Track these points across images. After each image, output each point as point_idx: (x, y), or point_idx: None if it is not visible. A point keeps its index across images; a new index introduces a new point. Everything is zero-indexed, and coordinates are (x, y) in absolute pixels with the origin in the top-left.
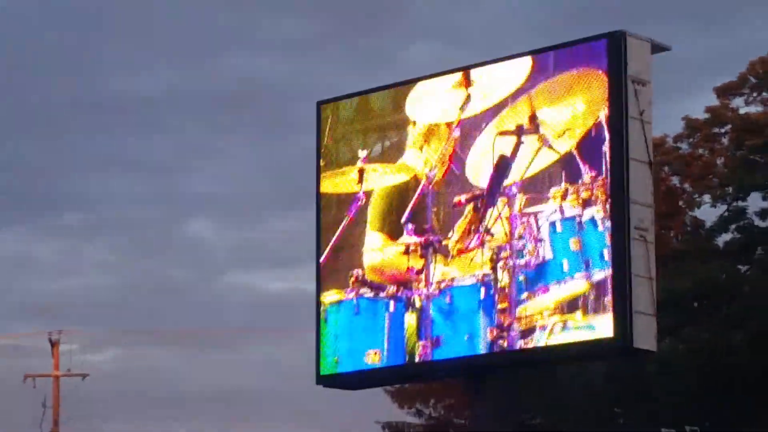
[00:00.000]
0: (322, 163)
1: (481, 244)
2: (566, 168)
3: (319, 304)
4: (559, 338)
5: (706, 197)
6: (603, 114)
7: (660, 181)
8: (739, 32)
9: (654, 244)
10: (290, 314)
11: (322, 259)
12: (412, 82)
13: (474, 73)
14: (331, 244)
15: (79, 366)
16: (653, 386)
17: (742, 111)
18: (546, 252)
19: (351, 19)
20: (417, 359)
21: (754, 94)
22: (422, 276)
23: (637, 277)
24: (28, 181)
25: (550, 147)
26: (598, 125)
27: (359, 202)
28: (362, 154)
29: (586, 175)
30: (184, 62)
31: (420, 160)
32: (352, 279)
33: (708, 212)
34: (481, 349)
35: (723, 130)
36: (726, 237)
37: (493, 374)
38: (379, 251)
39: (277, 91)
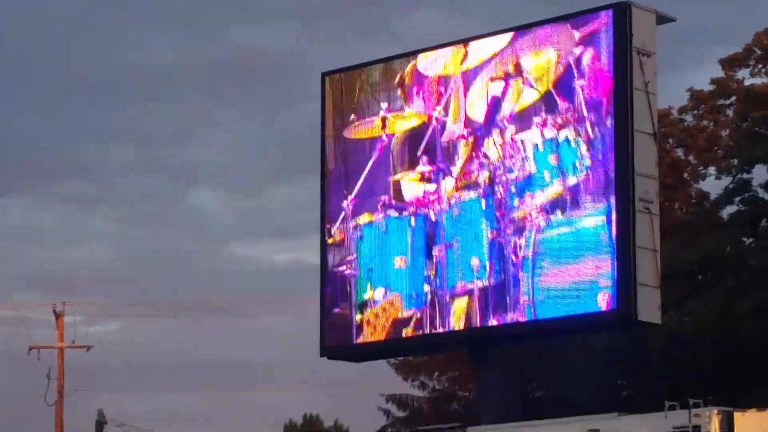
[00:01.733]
0: (353, 117)
1: (481, 166)
2: (545, 102)
3: (324, 273)
4: (545, 232)
5: (711, 169)
6: (572, 58)
7: (664, 153)
8: (744, 3)
9: (658, 216)
10: (294, 285)
11: (355, 191)
12: (412, 54)
13: (471, 43)
14: (362, 178)
15: (83, 338)
16: (657, 358)
17: (747, 83)
18: (531, 167)
19: None
20: (435, 259)
21: (760, 66)
22: (436, 195)
23: (641, 249)
24: (32, 151)
25: (532, 87)
26: (568, 67)
27: (383, 143)
28: (384, 106)
29: (562, 105)
30: (187, 34)
31: (429, 106)
32: (381, 204)
33: (713, 184)
34: (485, 246)
35: (728, 102)
36: (731, 209)
37: (498, 345)
38: (401, 179)
39: (279, 61)
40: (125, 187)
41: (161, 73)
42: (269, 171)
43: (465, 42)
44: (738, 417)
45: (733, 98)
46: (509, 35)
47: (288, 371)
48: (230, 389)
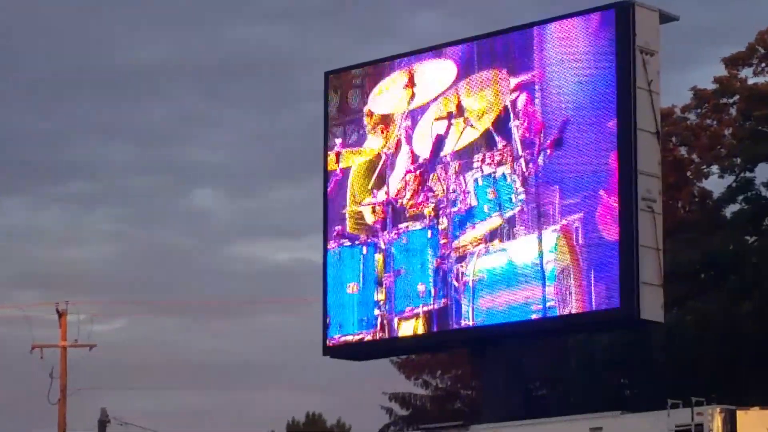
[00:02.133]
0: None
1: (426, 199)
2: (485, 140)
3: (326, 273)
4: (484, 260)
5: (714, 168)
6: (509, 101)
7: (668, 151)
8: (747, 2)
9: (661, 215)
10: (295, 284)
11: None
12: (404, 56)
13: (416, 75)
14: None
15: (86, 336)
16: (660, 356)
17: (750, 81)
18: (472, 200)
19: None
20: (384, 285)
21: (763, 65)
22: (386, 225)
23: (644, 248)
24: (32, 150)
25: (473, 126)
26: (505, 108)
27: (337, 177)
28: (338, 141)
29: (500, 144)
30: (187, 33)
31: (380, 143)
32: (335, 233)
33: (716, 183)
34: (430, 273)
35: (731, 101)
36: (733, 208)
37: (504, 344)
38: (353, 211)
39: (280, 61)
40: (125, 186)
41: (161, 73)
42: (269, 171)
43: (410, 70)
44: (741, 415)
45: (737, 97)
46: (452, 73)
47: (290, 370)
48: (231, 388)
